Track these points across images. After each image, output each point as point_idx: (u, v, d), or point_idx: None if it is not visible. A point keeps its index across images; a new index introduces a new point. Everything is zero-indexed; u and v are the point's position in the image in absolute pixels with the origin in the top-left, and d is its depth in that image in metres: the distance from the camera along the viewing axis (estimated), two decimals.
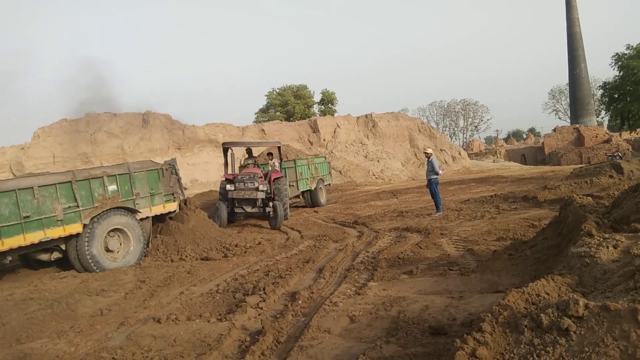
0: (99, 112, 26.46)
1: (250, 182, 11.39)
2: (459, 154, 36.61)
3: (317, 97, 50.62)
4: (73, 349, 4.32)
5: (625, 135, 46.79)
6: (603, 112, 40.90)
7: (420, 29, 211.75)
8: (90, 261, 7.33)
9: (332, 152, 30.45)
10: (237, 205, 11.58)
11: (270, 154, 14.21)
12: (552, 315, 2.49)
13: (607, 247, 3.68)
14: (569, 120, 64.40)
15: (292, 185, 14.02)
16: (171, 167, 9.01)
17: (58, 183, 7.14)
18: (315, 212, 14.52)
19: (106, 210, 7.64)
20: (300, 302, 5.07)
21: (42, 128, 25.04)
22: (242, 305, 5.02)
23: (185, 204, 9.49)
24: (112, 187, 7.84)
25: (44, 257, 7.51)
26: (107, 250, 7.70)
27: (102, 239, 7.57)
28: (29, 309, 5.43)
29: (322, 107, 50.16)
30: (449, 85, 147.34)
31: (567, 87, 65.23)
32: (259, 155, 15.83)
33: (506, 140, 75.33)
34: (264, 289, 5.55)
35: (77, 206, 7.30)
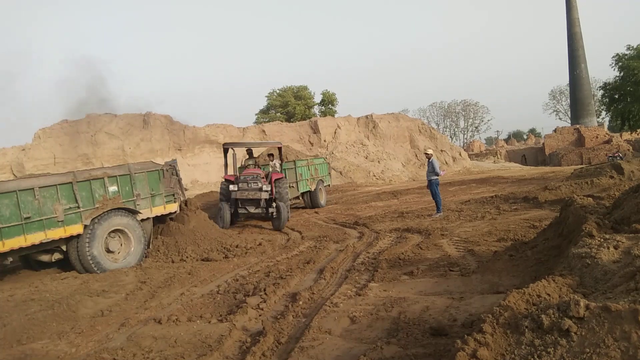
0: (100, 113, 26.47)
1: (254, 183, 11.36)
2: (460, 154, 36.59)
3: (318, 98, 50.67)
4: (74, 350, 4.32)
5: (626, 135, 46.78)
6: (603, 113, 41.04)
7: (420, 29, 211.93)
8: (91, 262, 7.34)
9: (332, 153, 30.45)
10: (240, 205, 11.54)
11: (271, 155, 14.18)
12: (552, 316, 2.49)
13: (608, 248, 3.68)
14: (569, 121, 64.37)
15: (292, 187, 13.98)
16: (172, 168, 9.02)
17: (59, 184, 7.15)
18: (316, 212, 14.52)
19: (107, 211, 7.65)
20: (301, 302, 5.07)
21: (43, 129, 25.04)
22: (242, 306, 5.02)
23: (185, 204, 9.50)
24: (112, 188, 7.85)
25: (45, 258, 7.52)
26: (108, 251, 7.70)
27: (102, 239, 7.58)
28: (30, 310, 5.44)
29: (323, 107, 50.17)
30: (449, 86, 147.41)
31: (568, 88, 65.19)
32: (258, 156, 15.80)
33: (507, 140, 75.31)
34: (264, 290, 5.55)
35: (78, 207, 7.31)
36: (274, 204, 11.34)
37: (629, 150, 42.85)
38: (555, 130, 50.86)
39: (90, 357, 4.11)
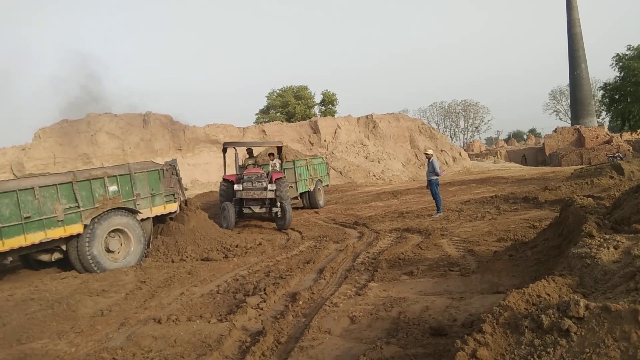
0: (99, 113, 26.48)
1: (258, 182, 11.29)
2: (460, 154, 36.58)
3: (318, 98, 50.69)
4: (74, 350, 4.32)
5: (626, 136, 46.77)
6: (604, 113, 41.03)
7: (420, 29, 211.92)
8: (90, 262, 7.34)
9: (332, 153, 30.45)
10: (245, 205, 11.45)
11: (271, 154, 14.15)
12: (552, 316, 2.49)
13: (608, 248, 3.68)
14: (569, 121, 64.38)
15: (291, 187, 13.93)
16: (172, 168, 9.02)
17: (59, 184, 7.15)
18: (316, 212, 14.52)
19: (107, 211, 7.65)
20: (300, 302, 5.07)
21: (43, 129, 25.04)
22: (242, 306, 5.02)
23: (185, 204, 9.50)
24: (112, 188, 7.85)
25: (45, 257, 7.52)
26: (108, 250, 7.70)
27: (102, 239, 7.58)
28: (30, 310, 5.44)
29: (323, 107, 50.19)
30: (450, 86, 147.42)
31: (568, 88, 65.20)
32: (257, 156, 15.76)
33: (507, 141, 75.32)
34: (264, 290, 5.55)
35: (78, 207, 7.31)
36: (278, 204, 11.28)
37: (629, 150, 42.84)
38: (555, 131, 50.85)
39: (90, 356, 4.11)
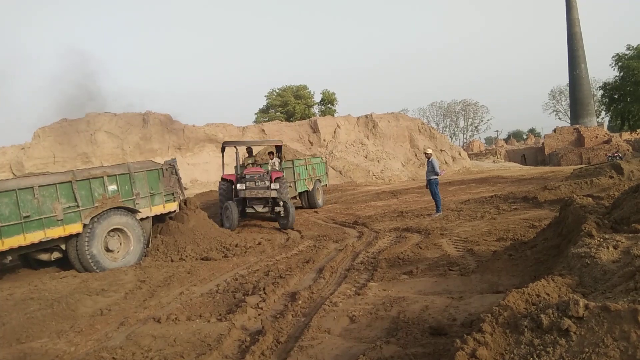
0: (99, 112, 26.47)
1: (261, 181, 11.21)
2: (459, 154, 36.59)
3: (318, 98, 50.70)
4: (73, 349, 4.32)
5: (626, 135, 46.84)
6: (603, 113, 41.04)
7: (420, 29, 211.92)
8: (90, 261, 7.33)
9: (332, 153, 30.45)
10: (248, 205, 11.34)
11: (271, 153, 14.09)
12: (552, 315, 2.49)
13: (607, 248, 3.68)
14: (569, 121, 64.40)
15: (290, 186, 13.89)
16: (171, 167, 9.02)
17: (58, 183, 7.14)
18: (315, 212, 14.52)
19: (106, 210, 7.65)
20: (300, 302, 5.07)
21: (42, 128, 25.03)
22: (242, 305, 5.02)
23: (185, 204, 9.50)
24: (112, 187, 7.84)
25: (44, 256, 7.51)
26: (107, 250, 7.70)
27: (102, 238, 7.58)
28: (29, 309, 5.43)
29: (323, 107, 50.19)
30: (449, 86, 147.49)
31: (567, 88, 65.23)
32: (256, 155, 15.72)
33: (506, 140, 75.38)
34: (264, 289, 5.55)
35: (77, 206, 7.30)
36: (281, 203, 11.22)
37: (628, 150, 42.86)
38: (554, 130, 50.89)
39: (89, 356, 4.11)
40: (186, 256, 8.11)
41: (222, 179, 12.15)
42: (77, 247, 7.35)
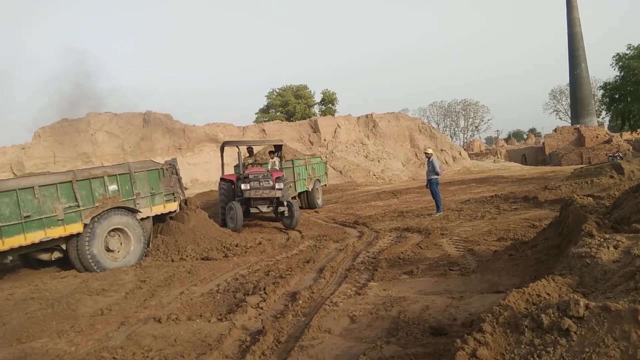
0: (99, 112, 26.49)
1: (266, 181, 11.09)
2: (460, 154, 36.59)
3: (318, 97, 50.68)
4: (73, 349, 4.32)
5: (626, 135, 46.78)
6: (604, 113, 40.98)
7: (420, 29, 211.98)
8: (90, 261, 7.34)
9: (332, 152, 30.46)
10: (252, 205, 11.20)
11: (271, 152, 14.05)
12: (552, 315, 2.49)
13: (608, 248, 3.68)
14: (569, 121, 64.38)
15: (290, 187, 13.87)
16: (172, 167, 9.02)
17: (59, 183, 7.14)
18: (316, 212, 14.52)
19: (107, 210, 7.65)
20: (300, 302, 5.07)
21: (43, 128, 25.05)
22: (242, 305, 5.02)
23: (185, 203, 9.49)
24: (112, 187, 7.84)
25: (45, 256, 7.51)
26: (108, 250, 7.70)
27: (102, 238, 7.58)
28: (30, 309, 5.44)
29: (323, 107, 50.18)
30: (450, 86, 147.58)
31: (568, 88, 65.20)
32: (255, 154, 15.67)
33: (507, 140, 75.33)
34: (264, 289, 5.55)
35: (78, 206, 7.30)
36: (285, 203, 11.15)
37: (629, 150, 42.86)
38: (555, 130, 50.88)
39: (89, 355, 4.11)
40: (187, 256, 8.11)
41: (222, 179, 12.02)
42: (78, 247, 7.36)
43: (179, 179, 9.17)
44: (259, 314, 4.87)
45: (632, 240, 3.72)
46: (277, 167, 12.73)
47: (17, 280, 7.27)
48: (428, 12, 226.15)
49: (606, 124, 57.13)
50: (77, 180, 7.35)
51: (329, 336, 4.03)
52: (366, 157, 30.96)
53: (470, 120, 77.07)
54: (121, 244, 7.94)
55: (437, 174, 11.68)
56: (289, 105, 47.91)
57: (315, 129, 32.73)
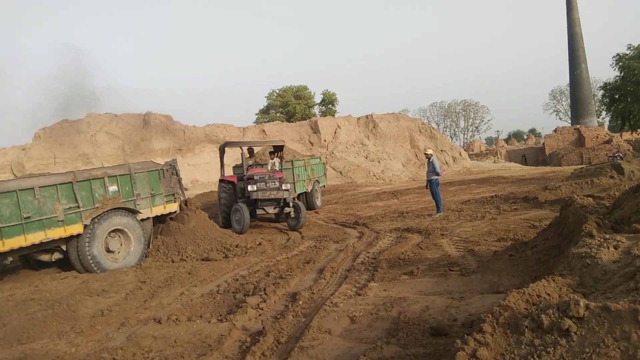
0: (100, 113, 26.50)
1: (272, 182, 10.93)
2: (460, 154, 36.59)
3: (318, 98, 50.70)
4: (74, 350, 4.32)
5: (626, 135, 46.77)
6: (604, 113, 41.00)
7: (420, 29, 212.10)
8: (91, 262, 7.34)
9: (332, 153, 30.46)
10: (258, 206, 11.01)
11: (272, 153, 14.01)
12: (552, 316, 2.49)
13: (608, 248, 3.68)
14: (569, 121, 64.39)
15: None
16: (172, 168, 9.02)
17: (59, 184, 7.15)
18: (316, 212, 14.51)
19: (107, 211, 7.65)
20: (300, 302, 5.07)
21: (43, 129, 25.06)
22: (242, 306, 5.02)
23: (185, 204, 9.50)
24: (113, 188, 7.85)
25: (45, 257, 7.52)
26: (108, 250, 7.71)
27: (102, 239, 7.58)
28: (30, 310, 5.44)
29: (323, 107, 50.19)
30: (450, 86, 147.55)
31: (568, 88, 65.19)
32: (255, 155, 15.62)
33: (507, 140, 75.33)
34: (264, 290, 5.55)
35: (78, 207, 7.31)
36: (290, 204, 11.02)
37: (629, 150, 42.85)
38: (555, 130, 50.87)
39: (90, 356, 4.12)
40: (187, 257, 8.11)
41: (223, 180, 11.90)
42: (78, 248, 7.36)
43: (179, 180, 9.18)
44: (259, 315, 4.87)
45: (632, 241, 3.72)
46: (277, 168, 12.71)
47: (17, 281, 7.27)
48: (428, 12, 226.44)
49: (606, 124, 57.13)
50: (77, 181, 7.35)
51: (329, 337, 4.03)
52: (366, 158, 30.96)
53: (470, 120, 77.17)
54: (121, 244, 7.94)
55: (438, 175, 11.68)
56: (289, 105, 47.92)
57: (316, 129, 32.74)
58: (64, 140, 24.91)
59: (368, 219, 11.67)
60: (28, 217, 6.68)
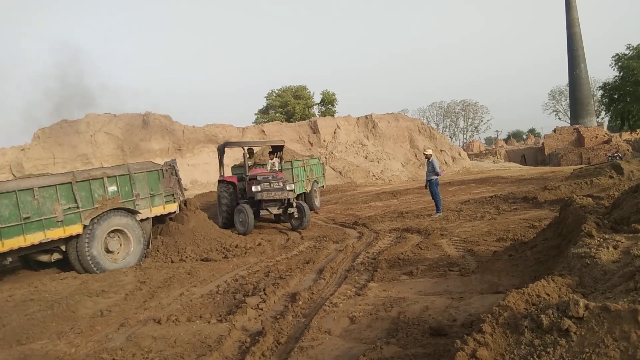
0: (99, 113, 26.48)
1: (276, 182, 10.84)
2: (459, 154, 36.59)
3: (317, 98, 50.69)
4: (73, 350, 4.32)
5: (626, 135, 46.84)
6: (603, 113, 40.97)
7: (420, 29, 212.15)
8: (90, 262, 7.33)
9: (332, 153, 30.46)
10: (263, 207, 10.93)
11: (271, 153, 13.99)
12: (552, 316, 2.49)
13: (607, 248, 3.68)
14: (569, 121, 64.42)
15: None
16: (171, 168, 9.02)
17: (58, 184, 7.14)
18: (316, 213, 14.51)
19: (106, 211, 7.65)
20: (300, 303, 5.07)
21: (42, 129, 25.04)
22: (242, 306, 5.02)
23: (185, 204, 9.49)
24: (112, 188, 7.84)
25: (44, 258, 7.51)
26: (107, 251, 7.70)
27: (102, 240, 7.58)
28: (29, 310, 5.44)
29: (322, 107, 50.19)
30: (449, 86, 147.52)
31: (567, 88, 65.24)
32: (255, 155, 15.58)
33: (506, 140, 75.41)
34: (264, 290, 5.55)
35: (77, 207, 7.30)
36: (294, 204, 10.95)
37: (628, 150, 42.88)
38: (554, 130, 50.89)
39: (89, 357, 4.11)
40: (186, 257, 8.11)
41: (222, 180, 11.83)
42: (77, 248, 7.35)
43: (179, 180, 9.18)
44: (259, 315, 4.87)
45: (632, 241, 3.72)
46: (277, 168, 12.69)
47: (16, 281, 7.26)
48: (428, 12, 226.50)
49: (605, 124, 57.21)
50: (77, 182, 7.35)
51: (328, 337, 4.03)
52: (366, 158, 30.95)
53: (470, 120, 77.25)
54: (121, 245, 7.94)
55: (437, 175, 11.68)
56: (288, 106, 47.91)
57: (315, 129, 32.72)
58: (63, 141, 24.89)
59: (367, 219, 11.67)
60: (27, 218, 6.67)
